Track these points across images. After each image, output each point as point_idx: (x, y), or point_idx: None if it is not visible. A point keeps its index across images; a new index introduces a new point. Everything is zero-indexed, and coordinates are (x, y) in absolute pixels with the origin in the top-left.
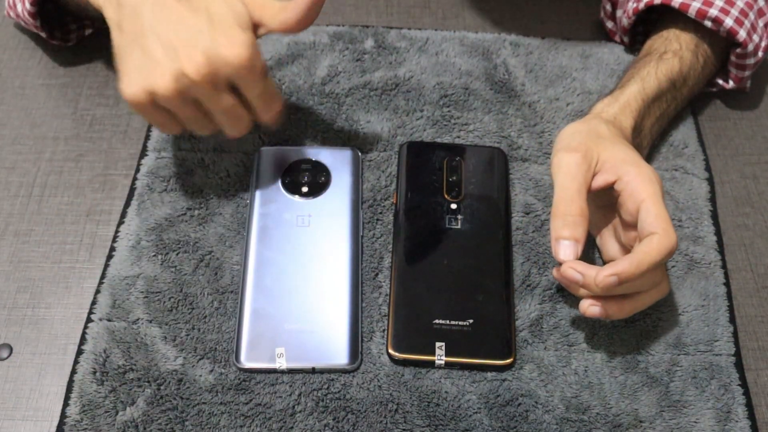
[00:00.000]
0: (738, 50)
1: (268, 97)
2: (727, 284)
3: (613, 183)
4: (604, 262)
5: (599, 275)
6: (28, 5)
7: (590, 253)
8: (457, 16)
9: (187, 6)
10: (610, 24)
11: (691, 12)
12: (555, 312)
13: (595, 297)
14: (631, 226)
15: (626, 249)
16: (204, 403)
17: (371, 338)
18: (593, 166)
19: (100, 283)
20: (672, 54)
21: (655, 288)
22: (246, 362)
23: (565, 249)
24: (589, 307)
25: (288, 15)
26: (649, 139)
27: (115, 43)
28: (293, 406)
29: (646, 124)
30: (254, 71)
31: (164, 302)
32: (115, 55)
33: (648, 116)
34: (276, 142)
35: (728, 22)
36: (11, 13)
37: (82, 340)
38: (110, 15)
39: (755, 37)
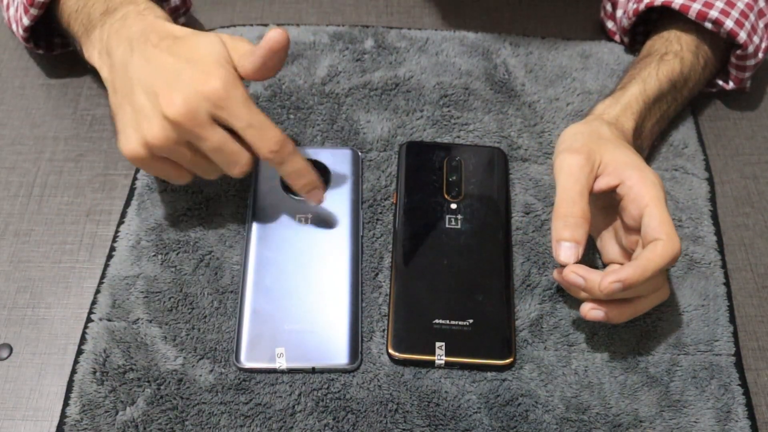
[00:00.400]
0: (738, 52)
1: (259, 128)
2: (727, 284)
3: (616, 186)
4: (604, 264)
5: (603, 281)
6: (21, 31)
7: (590, 254)
8: (457, 16)
9: (168, 53)
10: (610, 24)
11: (692, 13)
12: (555, 312)
13: (596, 300)
14: (633, 229)
15: (626, 251)
16: (204, 403)
17: (371, 338)
18: (596, 169)
19: (100, 283)
20: (673, 55)
21: (655, 293)
22: (246, 362)
23: (566, 251)
24: (590, 311)
25: (246, 60)
26: (649, 140)
27: (111, 103)
28: (293, 406)
29: (646, 126)
30: (234, 101)
31: (164, 302)
32: (112, 115)
33: (649, 118)
34: None
35: (728, 23)
36: (10, 29)
37: (82, 340)
38: (105, 75)
39: (756, 39)
